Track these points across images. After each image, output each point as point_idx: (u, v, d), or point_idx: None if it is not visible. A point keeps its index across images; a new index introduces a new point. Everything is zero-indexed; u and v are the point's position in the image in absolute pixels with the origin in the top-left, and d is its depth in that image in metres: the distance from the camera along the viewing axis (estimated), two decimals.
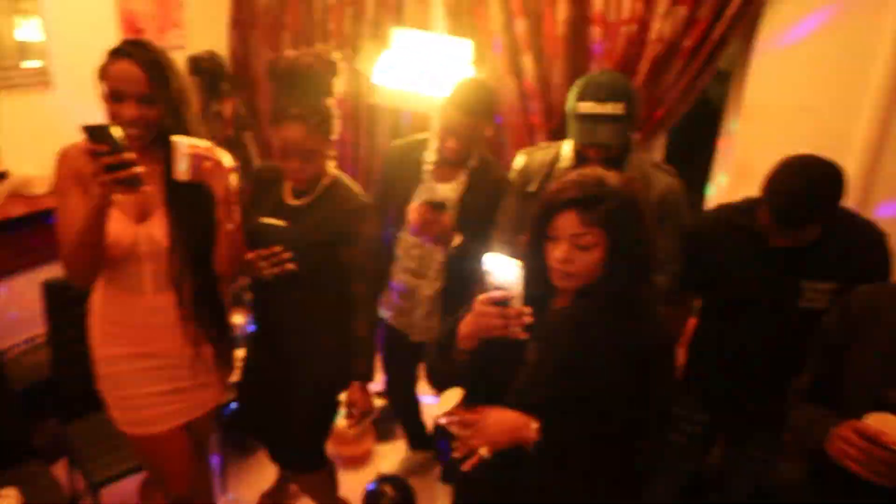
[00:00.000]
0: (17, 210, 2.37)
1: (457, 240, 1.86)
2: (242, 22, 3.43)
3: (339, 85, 1.73)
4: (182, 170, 1.40)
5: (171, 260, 1.54)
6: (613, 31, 2.38)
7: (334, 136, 1.73)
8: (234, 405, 2.63)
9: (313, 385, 1.84)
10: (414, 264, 2.06)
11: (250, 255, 1.70)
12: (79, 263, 1.47)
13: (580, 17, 2.44)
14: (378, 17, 2.96)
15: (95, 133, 1.27)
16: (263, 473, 2.56)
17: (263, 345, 1.94)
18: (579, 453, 1.25)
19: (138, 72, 1.42)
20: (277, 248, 1.67)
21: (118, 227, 1.47)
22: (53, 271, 2.20)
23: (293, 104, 1.63)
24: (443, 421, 1.26)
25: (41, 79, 2.54)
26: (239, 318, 2.67)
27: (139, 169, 1.31)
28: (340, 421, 1.96)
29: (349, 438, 2.63)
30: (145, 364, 1.63)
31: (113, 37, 1.46)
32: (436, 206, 1.81)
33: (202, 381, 1.71)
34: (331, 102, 1.70)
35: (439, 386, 1.35)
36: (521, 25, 2.54)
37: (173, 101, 1.47)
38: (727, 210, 1.78)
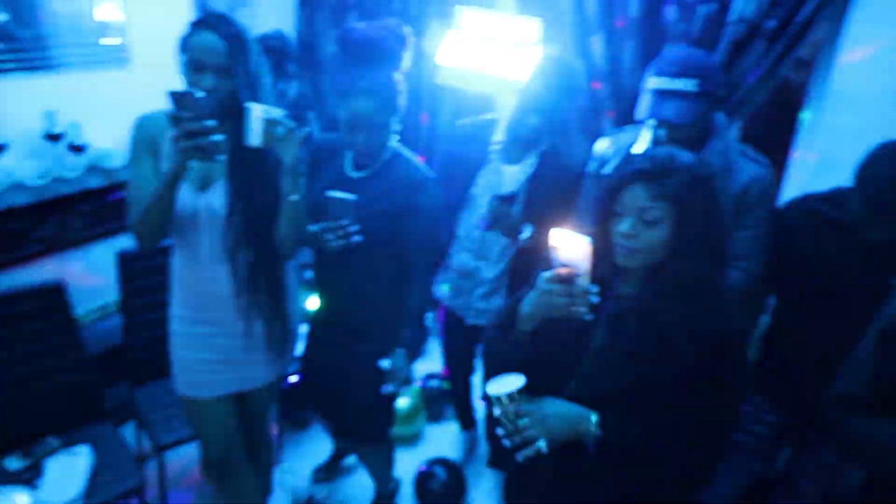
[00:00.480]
0: (95, 182, 2.46)
1: (526, 232, 1.83)
2: (310, 2, 3.46)
3: (408, 59, 1.72)
4: (255, 135, 1.41)
5: (227, 231, 1.56)
6: (690, 10, 2.27)
7: (401, 110, 1.72)
8: (291, 379, 2.71)
9: (373, 356, 1.85)
10: (475, 245, 2.04)
11: (315, 229, 1.71)
12: (146, 227, 1.52)
13: None
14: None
15: (180, 99, 1.30)
16: (318, 448, 2.62)
17: (326, 318, 1.96)
18: (641, 448, 1.21)
19: (220, 44, 1.44)
20: (345, 221, 1.66)
21: (180, 194, 1.51)
22: (128, 241, 2.29)
23: (363, 77, 1.63)
24: (497, 411, 1.23)
25: (120, 56, 2.63)
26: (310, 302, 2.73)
27: (218, 137, 1.34)
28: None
29: (401, 416, 2.65)
30: (200, 330, 1.68)
31: (186, 16, 1.47)
32: (506, 199, 1.79)
33: (255, 356, 1.73)
34: (399, 76, 1.69)
35: (496, 369, 1.33)
36: (592, 4, 2.46)
37: (249, 74, 1.49)
38: (813, 200, 1.68)
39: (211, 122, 1.32)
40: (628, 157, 1.26)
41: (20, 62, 2.32)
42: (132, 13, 2.65)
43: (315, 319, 2.02)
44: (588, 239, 1.11)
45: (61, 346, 2.03)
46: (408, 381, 1.82)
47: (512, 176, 1.94)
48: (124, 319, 2.23)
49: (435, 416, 2.86)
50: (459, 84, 2.68)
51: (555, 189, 1.89)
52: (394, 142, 1.79)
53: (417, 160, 1.82)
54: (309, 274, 2.04)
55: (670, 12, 2.30)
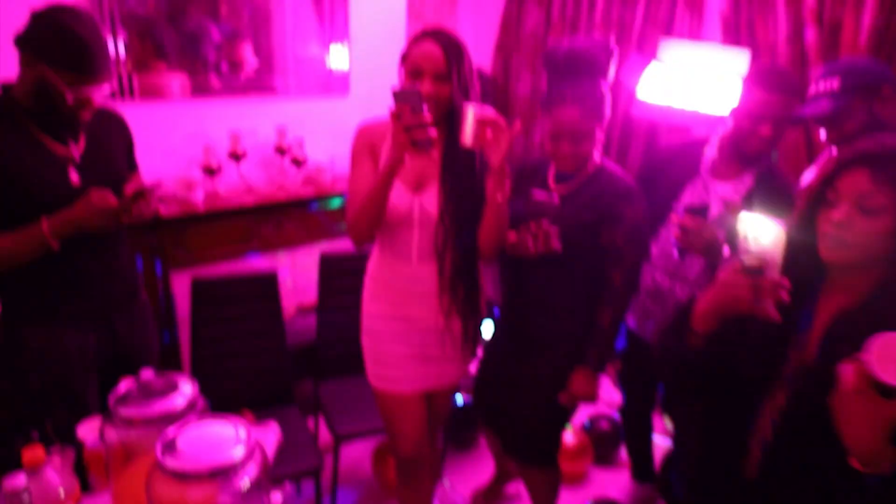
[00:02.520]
0: (308, 192, 2.76)
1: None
2: (507, 46, 3.65)
3: (612, 70, 1.71)
4: (468, 136, 1.47)
5: (438, 230, 1.63)
6: None
7: (605, 120, 1.71)
8: (463, 399, 2.73)
9: (553, 371, 1.80)
10: (672, 263, 1.91)
11: (514, 236, 1.72)
12: (362, 223, 1.62)
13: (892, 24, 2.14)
14: (645, 32, 2.92)
15: (401, 96, 1.41)
16: (480, 470, 2.58)
17: (509, 328, 1.96)
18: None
19: (438, 51, 1.55)
20: (546, 223, 1.65)
21: (397, 194, 1.61)
22: (330, 246, 2.51)
23: (569, 86, 1.65)
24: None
25: (341, 88, 2.98)
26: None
27: (433, 132, 1.42)
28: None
29: (567, 453, 2.53)
30: (400, 326, 1.74)
31: (395, 61, 1.64)
32: (698, 212, 1.65)
33: (449, 354, 1.76)
34: (604, 86, 1.70)
35: (665, 379, 1.19)
36: (812, 34, 2.30)
37: (464, 81, 1.58)
38: None
39: (427, 117, 1.41)
40: (830, 135, 1.11)
41: (264, 89, 2.73)
42: (356, 57, 3.02)
43: (497, 329, 2.03)
44: (782, 227, 0.98)
45: (267, 331, 2.24)
46: (588, 399, 1.74)
47: (723, 193, 1.81)
48: (319, 317, 2.42)
49: (603, 459, 2.69)
50: (658, 117, 2.62)
51: (770, 211, 1.73)
52: (597, 155, 1.78)
53: (622, 172, 1.79)
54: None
55: None
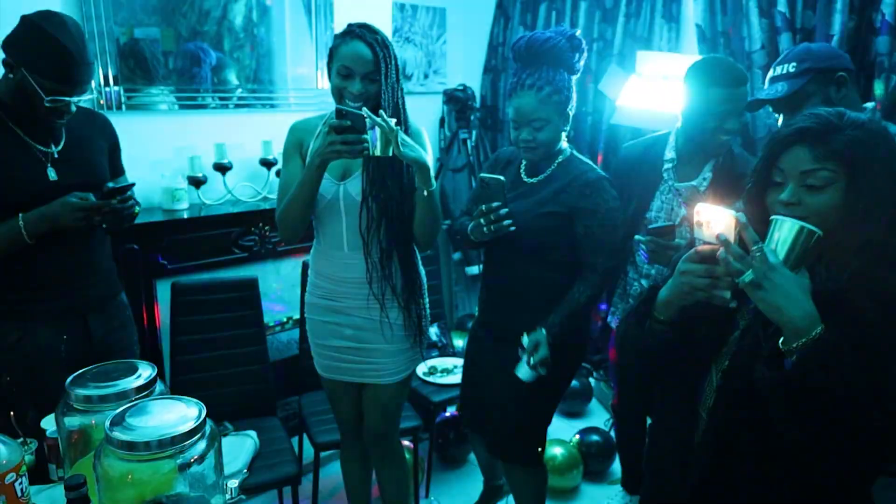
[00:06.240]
0: None
1: None
2: (494, 68, 3.72)
3: (580, 61, 1.74)
4: (378, 147, 1.51)
5: (362, 215, 1.66)
6: None
7: (570, 111, 1.73)
8: (447, 413, 2.68)
9: None
10: (654, 270, 1.91)
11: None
12: (291, 216, 1.67)
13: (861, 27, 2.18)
14: (624, 49, 2.98)
15: (347, 115, 1.48)
16: (469, 488, 2.52)
17: (487, 320, 1.95)
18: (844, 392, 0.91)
19: (368, 52, 1.59)
20: (496, 204, 1.66)
21: (323, 184, 1.65)
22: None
23: (528, 75, 1.69)
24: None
25: (324, 101, 3.02)
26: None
27: (365, 139, 1.48)
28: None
29: (557, 467, 2.47)
30: (335, 319, 1.76)
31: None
32: (662, 233, 1.69)
33: (387, 346, 1.76)
34: (566, 76, 1.71)
35: (630, 364, 1.19)
36: (786, 42, 2.34)
37: (391, 79, 1.62)
38: None
39: (365, 133, 1.47)
40: (786, 120, 1.10)
41: (252, 103, 2.78)
42: None
43: (477, 322, 2.02)
44: (733, 212, 0.98)
45: (248, 338, 2.23)
46: (545, 363, 1.69)
47: (687, 194, 1.82)
48: (301, 327, 2.40)
49: (595, 476, 2.63)
50: (636, 123, 2.65)
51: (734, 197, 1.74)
52: (566, 146, 1.80)
53: (591, 162, 1.81)
54: (472, 271, 2.05)
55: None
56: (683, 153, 1.85)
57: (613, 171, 2.06)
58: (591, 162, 1.82)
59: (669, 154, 1.87)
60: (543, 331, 1.70)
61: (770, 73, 1.78)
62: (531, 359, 1.69)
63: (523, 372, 1.71)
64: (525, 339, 1.71)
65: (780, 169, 1.03)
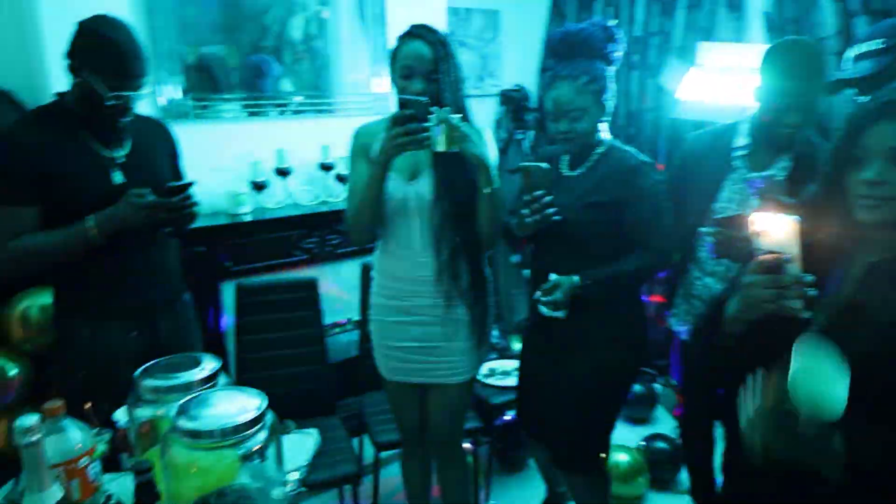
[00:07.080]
0: None
1: None
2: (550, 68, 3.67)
3: (617, 50, 1.70)
4: (441, 142, 1.50)
5: (434, 216, 1.65)
6: None
7: (607, 101, 1.69)
8: (507, 416, 2.64)
9: (590, 370, 1.73)
10: (721, 267, 1.82)
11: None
12: (361, 217, 1.68)
13: None
14: (686, 42, 2.88)
15: (409, 103, 1.50)
16: (530, 493, 2.47)
17: (539, 332, 1.89)
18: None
19: (427, 51, 1.60)
20: (539, 192, 1.63)
21: (392, 185, 1.65)
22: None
23: (563, 67, 1.66)
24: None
25: (382, 105, 3.06)
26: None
27: (427, 127, 1.49)
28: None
29: (621, 474, 2.39)
30: (403, 318, 1.75)
31: None
32: (730, 222, 1.59)
33: (456, 344, 1.74)
34: (602, 66, 1.68)
35: (699, 385, 1.12)
36: (862, 25, 2.21)
37: (453, 77, 1.62)
38: None
39: (427, 121, 1.48)
40: (874, 95, 1.02)
41: (310, 110, 2.84)
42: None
43: (529, 332, 1.97)
44: (796, 218, 0.92)
45: (309, 338, 2.26)
46: (564, 306, 1.64)
47: (761, 184, 1.73)
48: (362, 329, 2.42)
49: (661, 484, 2.53)
50: (700, 117, 2.56)
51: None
52: (606, 136, 1.76)
53: (633, 149, 1.75)
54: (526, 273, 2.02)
55: None
56: (759, 140, 1.76)
57: (678, 161, 1.98)
58: (632, 149, 1.77)
59: (742, 141, 1.79)
60: (575, 278, 1.65)
61: (853, 52, 1.69)
62: (544, 296, 1.64)
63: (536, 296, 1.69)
64: (552, 276, 1.67)
65: (863, 146, 0.96)
